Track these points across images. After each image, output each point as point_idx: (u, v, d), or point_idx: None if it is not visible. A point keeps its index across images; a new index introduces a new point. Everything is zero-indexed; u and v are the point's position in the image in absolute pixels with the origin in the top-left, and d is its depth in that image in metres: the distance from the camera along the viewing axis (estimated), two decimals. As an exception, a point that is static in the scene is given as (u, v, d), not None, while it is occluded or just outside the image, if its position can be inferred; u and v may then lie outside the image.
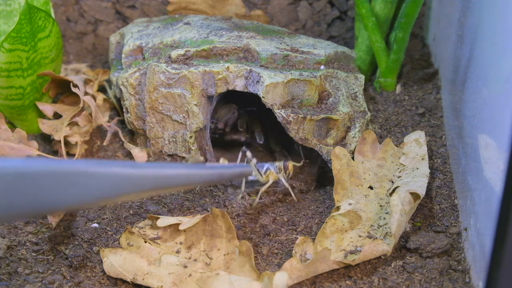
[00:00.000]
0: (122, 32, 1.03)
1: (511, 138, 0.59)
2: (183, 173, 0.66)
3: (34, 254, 0.77)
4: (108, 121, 1.01)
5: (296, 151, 0.97)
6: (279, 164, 0.84)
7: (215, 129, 0.96)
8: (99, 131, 1.00)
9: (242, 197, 0.87)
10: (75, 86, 0.97)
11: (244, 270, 0.73)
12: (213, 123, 0.96)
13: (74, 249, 0.78)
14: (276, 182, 0.86)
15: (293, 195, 0.86)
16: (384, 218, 0.80)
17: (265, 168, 0.84)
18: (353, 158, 0.88)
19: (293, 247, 0.77)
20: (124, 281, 0.74)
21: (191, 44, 0.93)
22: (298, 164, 0.85)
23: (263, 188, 0.84)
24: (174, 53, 0.92)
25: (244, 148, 0.87)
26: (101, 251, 0.75)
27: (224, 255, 0.75)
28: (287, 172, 0.84)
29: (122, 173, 0.55)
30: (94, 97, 0.99)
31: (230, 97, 0.95)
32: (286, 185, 0.84)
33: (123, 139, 0.97)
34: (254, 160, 0.83)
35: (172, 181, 0.64)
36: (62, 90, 1.00)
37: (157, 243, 0.77)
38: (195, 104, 0.90)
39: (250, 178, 0.84)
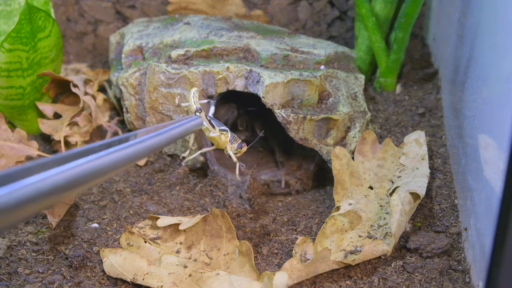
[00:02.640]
0: (122, 32, 1.03)
1: (511, 138, 0.59)
2: (130, 153, 0.56)
3: (34, 254, 0.77)
4: (108, 121, 1.01)
5: (296, 152, 0.97)
6: (237, 141, 0.79)
7: None
8: (99, 131, 1.00)
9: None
10: (75, 86, 0.97)
11: (244, 270, 0.73)
12: None
13: (74, 249, 0.78)
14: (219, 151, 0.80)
15: (237, 172, 0.79)
16: (384, 218, 0.80)
17: (223, 127, 0.78)
18: (353, 158, 0.88)
19: (293, 247, 0.77)
20: (124, 281, 0.74)
21: (191, 44, 0.93)
22: (243, 150, 0.78)
23: (208, 149, 0.79)
24: (174, 53, 0.92)
25: (211, 100, 0.82)
26: (101, 251, 0.75)
27: (224, 255, 0.75)
28: (237, 151, 0.78)
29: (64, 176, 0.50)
30: (94, 97, 0.99)
31: (230, 97, 0.95)
32: (234, 158, 0.78)
33: (123, 139, 0.97)
34: (207, 113, 0.76)
35: (122, 164, 0.55)
36: (62, 90, 1.00)
37: (157, 243, 0.77)
38: (195, 104, 0.90)
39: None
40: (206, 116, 0.75)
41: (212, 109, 0.80)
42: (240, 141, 0.78)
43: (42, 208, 0.49)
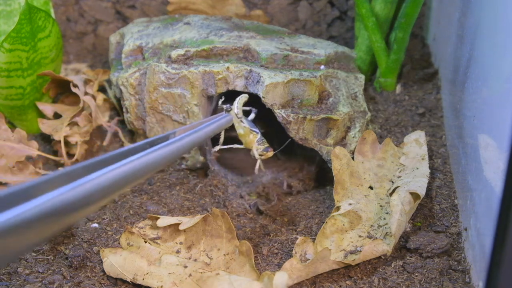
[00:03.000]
0: (122, 32, 1.03)
1: (511, 138, 0.59)
2: (174, 150, 0.60)
3: (34, 254, 0.77)
4: (108, 121, 1.01)
5: (296, 152, 0.97)
6: (265, 144, 0.82)
7: None
8: (99, 131, 1.00)
9: (241, 196, 0.87)
10: (75, 86, 0.97)
11: (244, 270, 0.73)
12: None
13: (74, 249, 0.78)
14: (246, 150, 0.84)
15: (258, 166, 0.82)
16: (384, 218, 0.80)
17: (255, 129, 0.82)
18: (353, 158, 0.88)
19: (293, 247, 0.77)
20: (124, 281, 0.74)
21: (191, 44, 0.93)
22: (269, 154, 0.81)
23: (238, 146, 0.83)
24: (174, 53, 0.92)
25: (226, 105, 0.84)
26: (101, 251, 0.75)
27: (224, 255, 0.75)
28: (263, 153, 0.81)
29: (112, 176, 0.51)
30: (94, 97, 0.99)
31: (230, 97, 0.95)
32: (257, 157, 0.81)
33: (123, 139, 0.97)
34: (237, 110, 0.81)
35: (165, 161, 0.59)
36: (62, 90, 1.00)
37: (157, 243, 0.77)
38: (195, 104, 0.90)
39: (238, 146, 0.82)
40: (236, 113, 0.80)
41: (252, 115, 0.85)
42: (268, 145, 0.81)
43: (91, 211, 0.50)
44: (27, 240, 0.43)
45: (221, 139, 0.83)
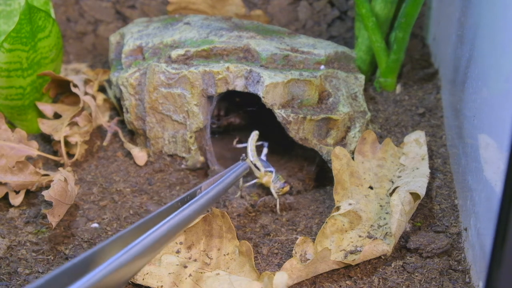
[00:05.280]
0: (122, 32, 1.03)
1: (511, 138, 0.59)
2: (202, 205, 0.69)
3: (34, 254, 0.77)
4: (108, 121, 1.01)
5: (296, 152, 0.97)
6: (281, 180, 0.86)
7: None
8: (99, 131, 1.00)
9: (241, 196, 0.88)
10: (75, 86, 0.97)
11: (244, 270, 0.73)
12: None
13: (74, 249, 0.78)
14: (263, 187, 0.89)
15: (277, 208, 0.86)
16: (384, 218, 0.80)
17: (268, 169, 0.87)
18: (353, 158, 0.88)
19: (293, 247, 0.77)
20: (124, 281, 0.73)
21: (191, 44, 0.93)
22: (285, 190, 0.87)
23: (253, 181, 0.88)
24: (174, 53, 0.92)
25: (264, 144, 0.91)
26: (101, 251, 0.76)
27: (224, 255, 0.75)
28: (279, 190, 0.86)
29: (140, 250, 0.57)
30: (94, 97, 0.99)
31: (231, 97, 0.95)
32: (276, 196, 0.86)
33: (123, 139, 0.97)
34: (252, 158, 0.88)
35: (190, 221, 0.67)
36: (62, 90, 1.00)
37: (157, 243, 0.77)
38: (195, 104, 0.90)
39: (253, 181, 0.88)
40: (251, 161, 0.88)
41: (265, 150, 0.91)
42: (283, 181, 0.86)
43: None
44: None
45: (240, 184, 0.89)
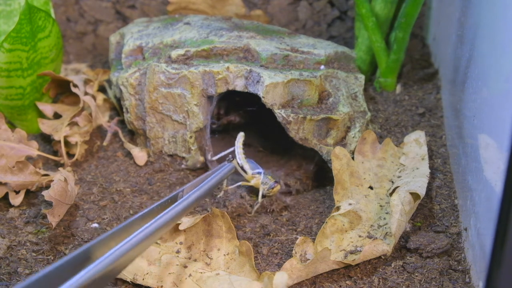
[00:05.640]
0: (122, 32, 1.03)
1: (511, 138, 0.59)
2: (183, 209, 0.70)
3: (34, 254, 0.77)
4: (108, 121, 1.01)
5: (296, 152, 0.97)
6: (270, 180, 0.85)
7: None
8: (99, 131, 1.00)
9: (241, 196, 0.87)
10: (75, 86, 0.97)
11: (244, 270, 0.73)
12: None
13: (74, 249, 0.78)
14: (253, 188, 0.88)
15: (254, 210, 0.85)
16: (384, 218, 0.80)
17: (256, 171, 0.86)
18: (353, 158, 0.88)
19: (293, 247, 0.77)
20: (124, 281, 0.74)
21: (191, 44, 0.93)
22: (275, 190, 0.86)
23: (245, 183, 0.87)
24: (174, 53, 0.92)
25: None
26: (101, 251, 0.76)
27: (224, 255, 0.75)
28: (270, 190, 0.85)
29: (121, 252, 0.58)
30: (94, 97, 0.99)
31: (231, 97, 0.95)
32: (259, 200, 0.85)
33: (123, 139, 0.97)
34: (239, 159, 0.87)
35: (170, 225, 0.68)
36: (62, 90, 1.00)
37: (157, 243, 0.77)
38: (195, 104, 0.90)
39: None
40: (238, 162, 0.86)
41: (240, 139, 0.90)
42: (273, 181, 0.85)
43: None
44: None
45: (224, 185, 0.88)
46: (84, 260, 0.57)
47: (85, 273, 0.53)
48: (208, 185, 0.76)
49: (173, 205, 0.68)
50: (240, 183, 0.87)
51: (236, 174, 0.87)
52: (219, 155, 0.91)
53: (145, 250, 0.64)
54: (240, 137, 0.89)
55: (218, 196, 0.87)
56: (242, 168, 0.87)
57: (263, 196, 0.85)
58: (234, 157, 0.87)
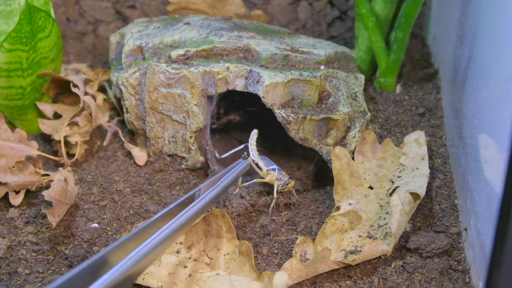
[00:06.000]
0: (122, 32, 1.03)
1: (511, 138, 0.59)
2: (201, 208, 0.70)
3: (34, 254, 0.77)
4: (108, 121, 1.01)
5: (296, 152, 0.97)
6: (285, 177, 0.85)
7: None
8: (99, 131, 1.00)
9: (242, 196, 0.87)
10: (75, 86, 0.97)
11: (244, 270, 0.73)
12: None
13: (74, 249, 0.78)
14: (268, 186, 0.89)
15: (270, 208, 0.86)
16: (384, 218, 0.80)
17: (271, 167, 0.86)
18: (353, 158, 0.88)
19: (293, 247, 0.77)
20: (124, 281, 0.73)
21: (191, 44, 0.93)
22: (290, 186, 0.86)
23: (260, 180, 0.87)
24: (174, 53, 0.92)
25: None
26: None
27: (224, 255, 0.75)
28: (284, 186, 0.85)
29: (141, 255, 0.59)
30: (94, 97, 0.99)
31: (231, 97, 0.95)
32: (275, 195, 0.85)
33: (123, 139, 0.97)
34: (253, 157, 0.87)
35: (189, 224, 0.69)
36: (62, 90, 1.00)
37: (157, 243, 0.77)
38: (195, 104, 0.90)
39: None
40: (253, 160, 0.86)
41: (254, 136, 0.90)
42: (287, 177, 0.85)
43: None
44: None
45: (239, 182, 0.88)
46: (101, 266, 0.58)
47: (105, 280, 0.54)
48: (225, 183, 0.76)
49: (191, 205, 0.69)
50: (255, 180, 0.87)
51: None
52: (228, 153, 0.91)
53: (164, 251, 0.65)
54: (254, 134, 0.89)
55: (234, 193, 0.87)
56: (257, 165, 0.87)
57: (278, 192, 0.86)
58: (248, 154, 0.87)
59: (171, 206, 0.70)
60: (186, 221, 0.66)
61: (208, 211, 0.78)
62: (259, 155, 0.88)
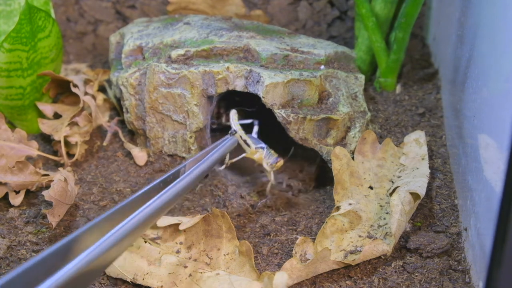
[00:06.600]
0: (122, 32, 1.03)
1: (511, 138, 0.59)
2: (185, 186, 0.67)
3: (34, 254, 0.77)
4: (108, 121, 1.01)
5: (296, 152, 0.97)
6: (273, 155, 0.84)
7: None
8: (99, 131, 1.00)
9: (225, 167, 0.88)
10: (75, 86, 0.97)
11: (244, 270, 0.73)
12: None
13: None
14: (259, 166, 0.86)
15: (268, 188, 0.84)
16: (384, 218, 0.80)
17: (259, 145, 0.85)
18: (353, 158, 0.88)
19: (293, 247, 0.77)
20: (124, 281, 0.74)
21: (191, 44, 0.93)
22: (279, 164, 0.84)
23: (244, 155, 0.85)
24: (174, 53, 0.92)
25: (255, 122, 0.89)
26: (101, 251, 0.75)
27: (224, 255, 0.75)
28: (272, 165, 0.84)
29: (125, 231, 0.56)
30: (94, 97, 0.99)
31: (230, 98, 0.95)
32: (267, 173, 0.83)
33: (123, 139, 0.97)
34: (242, 133, 0.85)
35: (172, 203, 0.65)
36: (62, 90, 1.00)
37: (157, 243, 0.77)
38: (195, 104, 0.90)
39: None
40: (241, 137, 0.84)
41: (255, 129, 0.89)
42: (276, 156, 0.84)
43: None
44: None
45: (226, 159, 0.87)
46: (76, 248, 0.53)
47: (80, 259, 0.50)
48: (211, 159, 0.74)
49: (176, 181, 0.66)
50: (244, 154, 0.85)
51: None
52: (229, 161, 0.89)
53: (148, 227, 0.61)
54: (233, 114, 0.87)
55: (220, 169, 0.85)
56: (245, 141, 0.85)
57: (267, 171, 0.84)
58: (235, 131, 0.85)
59: (154, 183, 0.66)
60: (170, 198, 0.63)
61: (208, 210, 0.77)
62: (246, 134, 0.86)
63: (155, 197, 0.61)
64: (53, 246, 0.51)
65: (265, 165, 0.84)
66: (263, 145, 0.85)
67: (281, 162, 0.84)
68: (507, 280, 0.60)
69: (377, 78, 1.06)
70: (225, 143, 0.80)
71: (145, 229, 0.59)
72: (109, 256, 0.53)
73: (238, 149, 0.86)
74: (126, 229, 0.55)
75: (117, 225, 0.55)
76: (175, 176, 0.69)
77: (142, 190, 0.63)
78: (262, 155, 0.84)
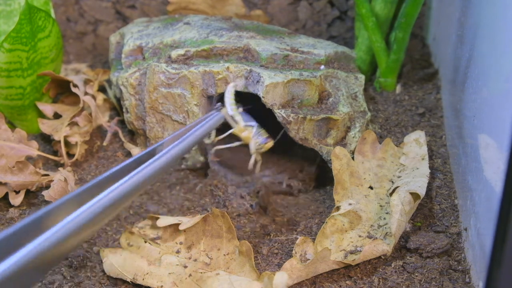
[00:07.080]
0: (122, 32, 1.03)
1: (511, 138, 0.59)
2: (162, 165, 0.61)
3: (34, 254, 0.77)
4: (108, 121, 1.01)
5: (296, 152, 0.97)
6: (263, 135, 0.80)
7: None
8: (99, 131, 1.00)
9: (242, 196, 0.87)
10: (75, 86, 0.97)
11: (244, 270, 0.73)
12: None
13: (74, 248, 0.78)
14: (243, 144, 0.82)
15: (251, 163, 0.79)
16: (384, 218, 0.80)
17: (249, 123, 0.80)
18: (353, 158, 0.88)
19: (293, 247, 0.77)
20: (124, 281, 0.74)
21: (191, 44, 0.93)
22: (268, 145, 0.79)
23: (235, 144, 0.80)
24: (174, 53, 0.92)
25: (217, 104, 0.83)
26: (101, 251, 0.75)
27: (224, 255, 0.75)
28: (261, 145, 0.79)
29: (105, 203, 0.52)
30: (94, 97, 0.99)
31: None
32: (253, 155, 0.78)
33: (123, 139, 0.97)
34: (230, 110, 0.79)
35: (146, 184, 0.59)
36: (62, 90, 1.00)
37: (157, 243, 0.77)
38: (195, 104, 0.90)
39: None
40: (229, 113, 0.77)
41: (240, 109, 0.83)
42: (266, 136, 0.78)
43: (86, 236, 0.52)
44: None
45: (212, 136, 0.80)
46: (37, 229, 0.48)
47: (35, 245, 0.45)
48: (193, 136, 0.67)
49: (151, 160, 0.59)
50: (231, 130, 0.80)
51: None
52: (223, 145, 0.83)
53: (115, 214, 0.55)
54: (231, 87, 0.82)
55: (207, 142, 0.79)
56: (232, 118, 0.79)
57: (254, 152, 0.79)
58: (223, 105, 0.79)
59: (127, 162, 0.59)
60: (142, 179, 0.57)
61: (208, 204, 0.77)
62: (237, 110, 0.80)
63: (124, 179, 0.55)
64: (22, 221, 0.47)
65: (252, 145, 0.78)
66: (254, 123, 0.79)
67: (270, 143, 0.79)
68: (507, 280, 0.60)
69: (377, 78, 1.06)
70: (211, 119, 0.74)
71: (114, 211, 0.54)
72: (74, 239, 0.48)
73: (242, 148, 0.82)
74: (92, 211, 0.51)
75: (81, 206, 0.51)
76: (151, 154, 0.62)
77: (112, 170, 0.57)
78: (251, 134, 0.78)
